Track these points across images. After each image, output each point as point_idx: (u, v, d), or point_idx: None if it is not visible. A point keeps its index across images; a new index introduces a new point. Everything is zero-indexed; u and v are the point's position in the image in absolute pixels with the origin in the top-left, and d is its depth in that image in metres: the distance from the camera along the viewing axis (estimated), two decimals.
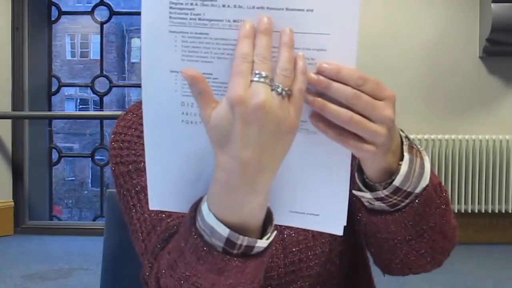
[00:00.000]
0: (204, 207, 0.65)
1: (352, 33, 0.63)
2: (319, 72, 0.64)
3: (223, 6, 0.64)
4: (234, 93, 0.60)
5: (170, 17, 0.65)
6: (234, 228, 0.64)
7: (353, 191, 0.75)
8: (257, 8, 0.63)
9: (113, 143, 0.95)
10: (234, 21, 0.64)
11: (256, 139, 0.59)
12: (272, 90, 0.60)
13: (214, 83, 0.65)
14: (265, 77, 0.60)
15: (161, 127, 0.68)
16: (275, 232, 0.67)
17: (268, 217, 0.67)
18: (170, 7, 0.65)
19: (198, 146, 0.68)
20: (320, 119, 0.66)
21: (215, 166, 0.63)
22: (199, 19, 0.65)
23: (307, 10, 0.63)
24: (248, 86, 0.60)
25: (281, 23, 0.63)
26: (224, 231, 0.63)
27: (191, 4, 0.64)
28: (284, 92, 0.61)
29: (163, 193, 0.70)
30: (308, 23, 0.63)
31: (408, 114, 4.61)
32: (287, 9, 0.63)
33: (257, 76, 0.60)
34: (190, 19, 0.65)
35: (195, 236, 0.65)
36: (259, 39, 0.62)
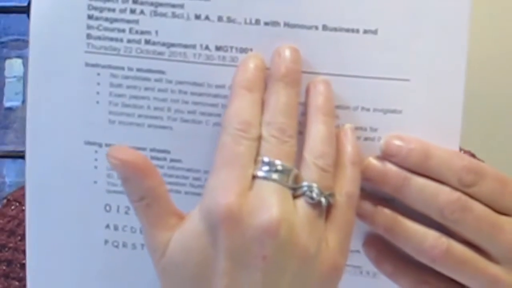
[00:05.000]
0: None
1: (457, 76, 0.32)
2: (386, 157, 0.32)
3: (197, 17, 0.32)
4: (218, 202, 0.28)
5: (89, 36, 0.33)
6: None
7: None
8: (266, 24, 0.31)
9: None
10: (219, 48, 0.32)
11: None
12: (296, 196, 0.29)
13: (173, 172, 0.33)
14: (282, 170, 0.29)
15: (64, 254, 0.35)
16: None
17: None
18: (89, 16, 0.32)
19: None
20: (384, 250, 0.34)
21: None
22: (147, 41, 0.32)
23: (366, 32, 0.31)
24: (247, 187, 0.29)
25: (314, 56, 0.31)
26: None
27: (132, 10, 0.32)
28: (320, 201, 0.29)
29: None
30: (367, 57, 0.32)
31: None
32: (325, 27, 0.31)
33: (267, 166, 0.29)
34: (129, 41, 0.32)
35: None
36: (274, 94, 0.31)
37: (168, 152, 0.33)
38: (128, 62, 0.32)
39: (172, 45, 0.32)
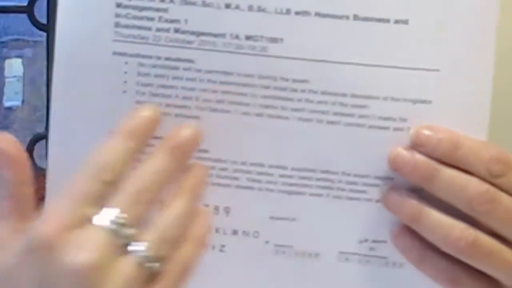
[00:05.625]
0: None
1: (485, 66, 0.32)
2: (415, 147, 0.32)
3: (227, 6, 0.32)
4: (41, 228, 0.27)
5: (117, 24, 0.32)
6: None
7: None
8: (297, 13, 0.31)
9: None
10: (249, 38, 0.32)
11: None
12: (126, 252, 0.28)
13: (200, 163, 0.33)
14: (122, 224, 0.28)
15: None
16: None
17: None
18: (118, 4, 0.32)
19: None
20: (412, 239, 0.33)
21: None
22: (177, 30, 0.32)
23: (397, 22, 0.31)
24: (76, 225, 0.28)
25: (344, 45, 0.32)
26: None
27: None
28: (149, 266, 0.29)
29: None
30: (397, 47, 0.32)
31: None
32: (356, 17, 0.31)
33: (107, 215, 0.28)
34: (158, 29, 0.32)
35: None
36: (154, 156, 0.31)
37: None
38: (157, 51, 0.32)
39: (202, 34, 0.32)
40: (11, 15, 1.34)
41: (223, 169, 0.33)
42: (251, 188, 0.34)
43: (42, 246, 0.27)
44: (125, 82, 0.33)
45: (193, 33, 0.32)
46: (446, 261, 0.33)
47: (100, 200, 0.28)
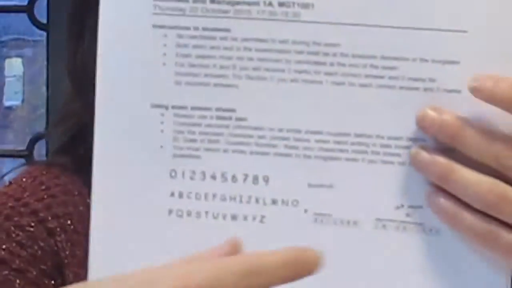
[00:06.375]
0: None
1: None
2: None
3: None
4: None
5: None
6: None
7: None
8: None
9: None
10: (281, 4, 0.33)
11: None
12: None
13: (239, 131, 0.34)
14: None
15: (127, 223, 0.35)
16: None
17: None
18: None
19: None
20: (444, 199, 0.34)
21: None
22: (212, 1, 0.33)
23: None
24: None
25: (375, 9, 0.33)
26: None
27: None
28: None
29: None
30: (426, 9, 0.33)
31: None
32: None
33: None
34: (194, 1, 0.33)
35: None
36: None
37: (234, 110, 0.34)
38: (194, 21, 0.33)
39: (237, 3, 0.33)
40: (11, 14, 1.34)
41: (261, 137, 0.34)
42: (289, 155, 0.34)
43: None
44: (164, 54, 0.33)
45: (228, 2, 0.33)
46: (480, 218, 0.33)
47: None
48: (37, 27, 1.26)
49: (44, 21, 1.26)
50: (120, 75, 0.34)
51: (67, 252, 0.45)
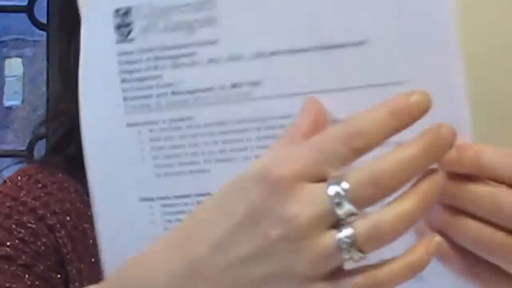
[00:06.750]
0: None
1: (454, 70, 0.32)
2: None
3: (210, 61, 0.33)
4: (277, 168, 0.28)
5: (125, 98, 0.34)
6: None
7: None
8: (272, 54, 0.32)
9: None
10: (234, 86, 0.33)
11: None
12: (333, 226, 0.27)
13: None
14: (347, 199, 0.28)
15: None
16: None
17: None
18: (122, 80, 0.34)
19: None
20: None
21: None
22: (173, 92, 0.34)
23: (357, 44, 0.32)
24: (309, 178, 0.28)
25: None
26: None
27: (155, 66, 0.33)
28: (347, 257, 0.27)
29: None
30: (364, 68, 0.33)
31: None
32: (319, 47, 0.32)
33: (336, 183, 0.28)
34: (158, 95, 0.34)
35: None
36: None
37: (210, 195, 0.34)
38: (162, 115, 0.34)
39: (195, 91, 0.33)
40: (11, 14, 1.34)
41: None
42: None
43: (271, 183, 0.27)
44: (141, 150, 0.34)
45: (187, 92, 0.33)
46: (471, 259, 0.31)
47: (340, 165, 0.27)
48: (37, 27, 1.26)
49: (44, 21, 1.26)
50: (110, 174, 0.35)
51: (68, 248, 0.46)
